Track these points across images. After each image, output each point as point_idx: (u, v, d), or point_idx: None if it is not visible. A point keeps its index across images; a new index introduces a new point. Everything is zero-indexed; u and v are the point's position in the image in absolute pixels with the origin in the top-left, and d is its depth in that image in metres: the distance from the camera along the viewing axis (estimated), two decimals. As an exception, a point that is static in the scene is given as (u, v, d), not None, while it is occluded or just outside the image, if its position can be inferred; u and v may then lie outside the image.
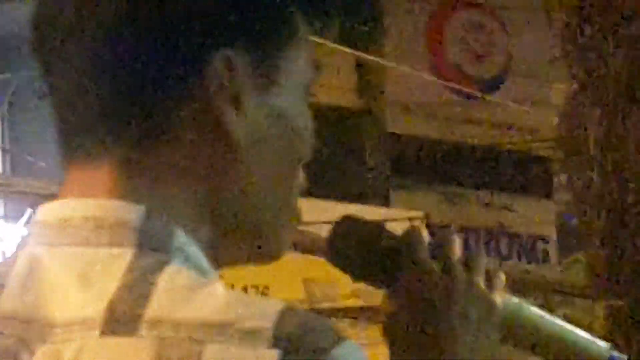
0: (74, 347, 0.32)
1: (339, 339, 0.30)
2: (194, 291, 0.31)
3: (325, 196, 5.79)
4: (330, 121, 6.81)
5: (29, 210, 4.76)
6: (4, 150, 6.25)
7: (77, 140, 0.36)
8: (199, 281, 0.32)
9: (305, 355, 0.29)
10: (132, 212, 0.34)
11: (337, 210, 5.48)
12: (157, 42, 0.34)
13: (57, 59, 0.36)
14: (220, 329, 0.30)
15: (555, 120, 6.59)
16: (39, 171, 5.86)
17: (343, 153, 7.14)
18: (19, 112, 6.53)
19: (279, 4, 0.36)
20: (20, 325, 0.34)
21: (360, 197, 6.85)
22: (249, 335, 0.29)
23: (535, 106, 7.44)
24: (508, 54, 7.94)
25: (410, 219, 6.19)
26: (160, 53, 0.34)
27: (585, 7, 5.18)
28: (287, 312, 0.30)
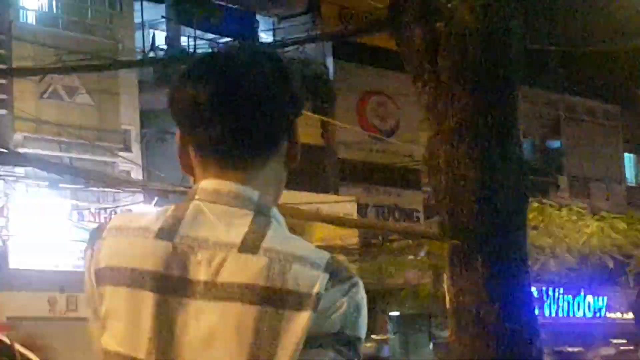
0: (221, 255, 0.56)
1: (353, 272, 0.59)
2: (286, 237, 0.59)
3: (303, 189, 10.87)
4: (305, 151, 13.31)
5: (156, 199, 8.14)
6: (144, 168, 11.91)
7: (222, 159, 0.62)
8: (287, 233, 0.60)
9: (342, 276, 0.57)
10: (253, 193, 0.61)
11: (310, 198, 10.20)
12: (274, 118, 0.62)
13: (206, 120, 0.61)
14: (299, 259, 0.55)
15: (423, 150, 13.23)
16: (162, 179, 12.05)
17: (314, 167, 13.47)
18: (150, 147, 12.44)
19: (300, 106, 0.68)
20: (191, 241, 0.59)
21: (323, 190, 13.39)
22: (314, 264, 0.55)
23: (413, 143, 13.79)
24: (397, 117, 15.00)
25: (349, 201, 12.70)
26: (274, 126, 0.63)
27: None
28: (331, 257, 0.58)
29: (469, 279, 2.78)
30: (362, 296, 0.60)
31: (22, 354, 1.68)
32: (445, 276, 3.21)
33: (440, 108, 2.85)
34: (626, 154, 19.65)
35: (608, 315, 16.64)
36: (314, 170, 13.10)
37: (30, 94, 11.20)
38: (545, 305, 14.73)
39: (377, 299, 11.74)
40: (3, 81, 10.96)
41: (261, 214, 0.61)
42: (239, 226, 0.59)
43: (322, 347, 0.57)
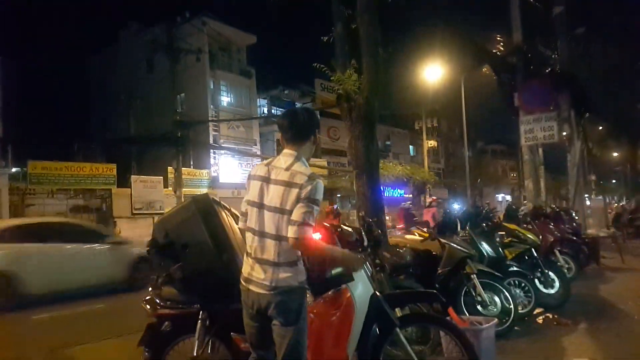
0: (278, 170, 2.67)
1: (317, 176, 2.68)
2: (301, 165, 2.67)
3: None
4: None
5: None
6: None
7: (288, 143, 2.75)
8: (303, 164, 2.69)
9: (313, 178, 2.61)
10: (298, 155, 2.71)
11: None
12: (307, 129, 2.77)
13: (286, 130, 2.75)
14: (301, 172, 2.64)
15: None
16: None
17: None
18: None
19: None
20: (272, 165, 2.72)
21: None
22: (305, 174, 2.62)
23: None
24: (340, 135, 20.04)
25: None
26: (307, 132, 2.75)
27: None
28: (312, 173, 2.65)
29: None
30: (320, 184, 2.61)
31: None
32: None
33: (352, 129, 7.49)
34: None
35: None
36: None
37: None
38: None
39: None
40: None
41: (297, 159, 2.69)
42: (287, 162, 2.68)
43: (303, 202, 2.55)
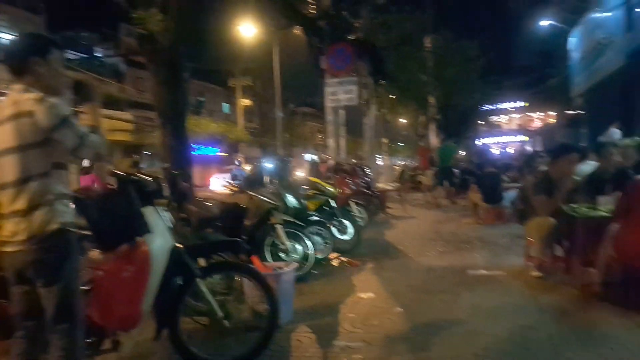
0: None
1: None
2: (33, 94, 2.23)
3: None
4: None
5: None
6: None
7: (14, 76, 2.30)
8: (36, 92, 2.21)
9: (39, 100, 2.17)
10: (26, 88, 2.25)
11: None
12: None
13: None
14: (34, 100, 2.18)
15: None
16: None
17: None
18: None
19: None
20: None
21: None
22: (37, 98, 2.21)
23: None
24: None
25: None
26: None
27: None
28: (43, 96, 2.20)
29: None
30: (56, 101, 2.15)
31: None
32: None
33: (156, 74, 6.87)
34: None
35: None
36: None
37: None
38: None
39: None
40: None
41: (26, 91, 2.18)
42: (13, 97, 2.21)
43: (57, 129, 2.14)
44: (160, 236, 3.15)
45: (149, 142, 28.10)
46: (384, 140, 25.89)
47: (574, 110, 28.41)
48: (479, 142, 40.32)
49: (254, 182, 6.09)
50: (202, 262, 3.69)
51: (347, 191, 8.97)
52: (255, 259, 4.25)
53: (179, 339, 3.26)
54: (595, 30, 17.85)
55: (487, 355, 3.29)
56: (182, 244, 3.32)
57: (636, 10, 13.54)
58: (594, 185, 5.13)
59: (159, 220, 3.22)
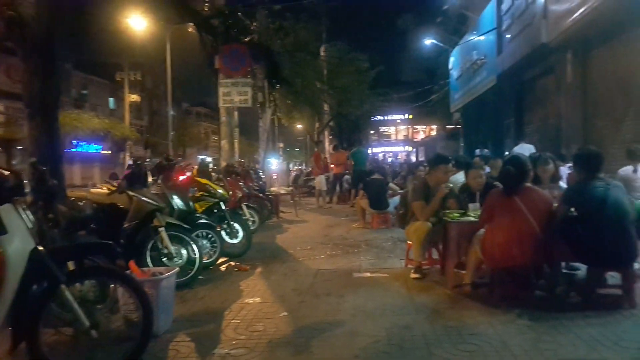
0: None
1: None
2: None
3: None
4: None
5: None
6: None
7: None
8: None
9: None
10: None
11: None
12: None
13: None
14: None
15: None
16: None
17: None
18: None
19: None
20: None
21: None
22: None
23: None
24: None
25: None
26: None
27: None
28: None
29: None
30: None
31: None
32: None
33: (25, 61, 6.06)
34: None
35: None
36: None
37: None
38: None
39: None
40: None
41: None
42: None
43: None
44: (18, 237, 2.84)
45: (23, 137, 25.31)
46: (280, 144, 25.98)
47: (453, 125, 30.97)
48: (370, 150, 42.28)
49: (135, 181, 5.69)
50: (72, 267, 3.36)
51: (239, 194, 8.81)
52: (132, 265, 3.96)
53: (39, 352, 2.94)
54: (471, 51, 19.60)
55: (365, 356, 3.38)
56: (46, 247, 3.01)
57: (506, 35, 15.09)
58: (467, 193, 5.57)
59: (18, 219, 2.90)
